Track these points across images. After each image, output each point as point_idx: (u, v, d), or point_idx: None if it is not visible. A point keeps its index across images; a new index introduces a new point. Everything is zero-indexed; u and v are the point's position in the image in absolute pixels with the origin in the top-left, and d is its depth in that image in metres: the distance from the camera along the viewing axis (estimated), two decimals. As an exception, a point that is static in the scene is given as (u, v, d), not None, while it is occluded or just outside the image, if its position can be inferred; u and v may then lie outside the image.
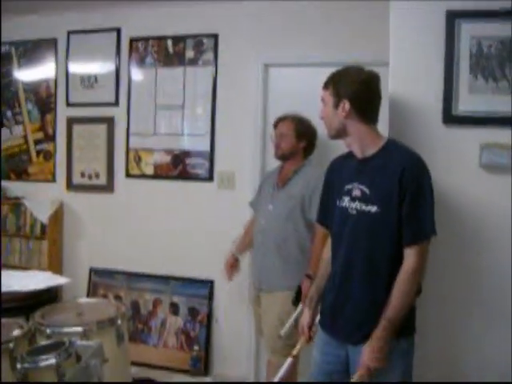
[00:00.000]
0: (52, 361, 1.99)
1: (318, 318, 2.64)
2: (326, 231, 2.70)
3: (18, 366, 2.01)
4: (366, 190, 2.32)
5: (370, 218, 2.29)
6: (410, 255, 2.23)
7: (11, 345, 2.15)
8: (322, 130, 2.66)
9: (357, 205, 2.34)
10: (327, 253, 2.62)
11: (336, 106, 2.38)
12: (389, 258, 2.28)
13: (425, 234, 2.25)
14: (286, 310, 3.46)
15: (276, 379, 2.73)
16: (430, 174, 2.30)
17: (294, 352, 2.70)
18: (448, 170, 2.69)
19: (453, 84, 2.67)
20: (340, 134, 2.43)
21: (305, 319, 2.68)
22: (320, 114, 2.50)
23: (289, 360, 2.71)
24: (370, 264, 2.32)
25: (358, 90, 2.36)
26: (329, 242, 2.62)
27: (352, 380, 2.26)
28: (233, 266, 3.94)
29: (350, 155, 2.48)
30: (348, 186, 2.40)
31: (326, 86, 2.45)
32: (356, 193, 2.35)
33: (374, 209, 2.28)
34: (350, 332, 2.37)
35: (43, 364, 2.00)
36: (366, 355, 2.24)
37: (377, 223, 2.28)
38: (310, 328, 2.66)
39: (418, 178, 2.24)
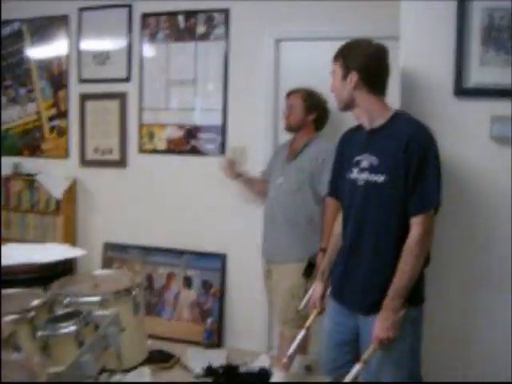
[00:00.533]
0: (71, 328, 2.05)
1: (329, 290, 2.69)
2: (337, 204, 2.74)
3: (39, 333, 2.07)
4: (374, 161, 2.35)
5: (377, 188, 2.33)
6: (415, 225, 2.27)
7: (31, 314, 2.20)
8: (334, 103, 2.67)
9: (365, 175, 2.38)
10: (338, 226, 2.66)
11: (345, 77, 2.42)
12: (396, 228, 2.32)
13: (430, 204, 2.28)
14: (296, 282, 3.51)
15: (290, 351, 2.79)
16: (436, 144, 2.32)
17: (307, 323, 2.76)
18: (459, 142, 2.69)
19: (464, 56, 2.67)
20: (349, 105, 2.47)
21: (317, 292, 2.73)
22: (330, 86, 2.53)
23: (302, 332, 2.76)
24: (378, 233, 2.36)
25: (366, 61, 2.40)
26: (340, 215, 2.66)
27: (367, 352, 2.31)
28: (235, 170, 4.17)
29: (359, 127, 2.52)
30: (357, 158, 2.43)
31: (335, 58, 2.49)
32: (364, 164, 2.39)
33: (381, 178, 2.31)
34: (358, 301, 2.43)
35: (63, 331, 2.05)
36: (376, 326, 2.28)
37: (384, 192, 2.32)
38: (321, 299, 2.71)
39: (423, 148, 2.27)
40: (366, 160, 2.38)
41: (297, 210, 3.60)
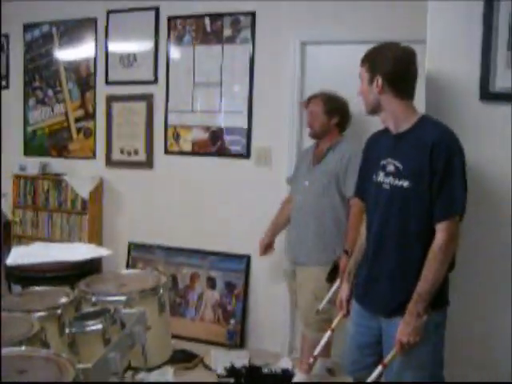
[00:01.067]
0: (98, 326, 2.09)
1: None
2: (362, 206, 2.74)
3: (67, 330, 2.11)
4: (399, 165, 2.35)
5: (402, 193, 2.33)
6: (440, 231, 2.26)
7: (59, 311, 2.24)
8: (358, 105, 2.68)
9: (390, 180, 2.37)
10: (365, 227, 2.67)
11: (371, 81, 2.41)
12: (420, 232, 2.31)
13: (455, 210, 2.27)
14: (321, 285, 3.51)
15: (316, 352, 2.79)
16: (462, 149, 2.31)
17: (333, 325, 2.76)
18: (485, 146, 2.68)
19: (490, 60, 2.65)
20: (375, 109, 2.46)
21: (343, 293, 2.72)
22: (359, 90, 2.52)
23: (328, 333, 2.78)
24: (401, 238, 2.36)
25: (391, 65, 2.38)
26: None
27: (388, 356, 2.32)
28: (267, 247, 4.03)
29: (386, 130, 2.51)
30: (383, 162, 2.43)
31: (362, 62, 2.48)
32: (390, 168, 2.38)
33: (406, 183, 2.31)
34: (381, 304, 2.43)
35: (90, 329, 2.09)
36: (399, 331, 2.28)
37: (409, 198, 2.31)
38: (348, 302, 2.70)
39: (448, 154, 2.25)
40: (391, 164, 2.38)
41: (323, 212, 3.59)
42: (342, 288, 2.76)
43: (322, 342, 2.77)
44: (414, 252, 2.32)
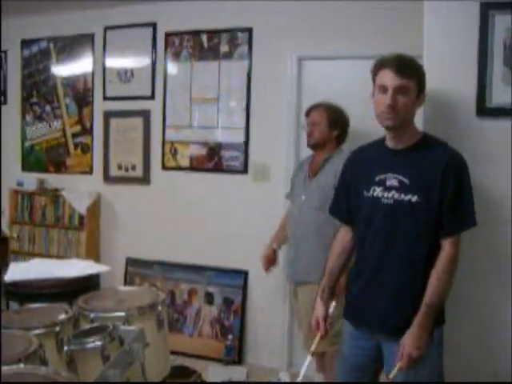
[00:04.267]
0: (97, 343, 2.07)
1: (331, 309, 2.60)
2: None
3: (65, 348, 2.10)
4: (405, 180, 2.32)
5: (409, 207, 2.30)
6: (448, 245, 2.26)
7: (57, 328, 2.23)
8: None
9: (393, 194, 2.34)
10: (338, 245, 2.63)
11: (418, 96, 2.35)
12: (427, 247, 2.30)
13: (465, 226, 2.30)
14: None
15: (299, 379, 2.57)
16: (468, 169, 2.33)
17: (312, 349, 2.59)
18: (482, 162, 2.68)
19: (487, 76, 2.67)
20: (408, 123, 2.37)
21: (319, 312, 2.59)
22: (393, 103, 2.28)
23: (308, 358, 2.59)
24: (407, 253, 2.33)
25: (425, 80, 2.39)
26: (340, 235, 2.63)
27: (393, 371, 2.26)
28: (270, 259, 3.86)
29: (376, 145, 2.50)
30: (380, 177, 2.39)
31: (408, 74, 2.30)
32: (392, 182, 2.35)
33: (414, 198, 2.29)
34: (383, 322, 2.38)
35: (89, 346, 2.07)
36: (407, 344, 2.24)
37: (417, 212, 2.29)
38: (325, 322, 2.58)
39: (460, 173, 2.28)
40: (393, 179, 2.35)
41: (320, 228, 3.46)
42: (317, 307, 2.61)
43: (303, 367, 2.56)
44: (420, 267, 2.30)
